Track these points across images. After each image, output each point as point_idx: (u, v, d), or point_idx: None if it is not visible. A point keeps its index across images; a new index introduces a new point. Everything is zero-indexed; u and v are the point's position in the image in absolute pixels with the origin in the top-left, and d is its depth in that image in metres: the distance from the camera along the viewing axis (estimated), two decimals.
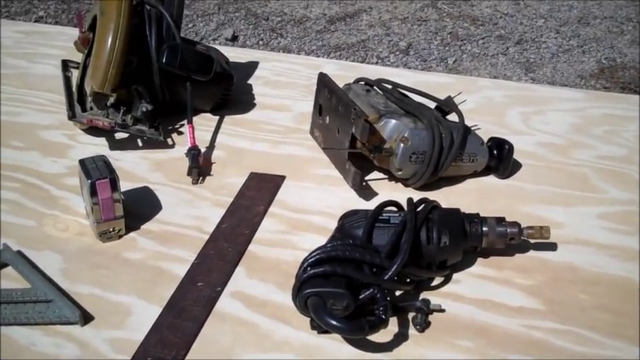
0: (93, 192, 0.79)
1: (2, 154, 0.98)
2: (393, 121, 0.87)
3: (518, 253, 0.78)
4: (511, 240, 0.76)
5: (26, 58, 1.26)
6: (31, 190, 0.91)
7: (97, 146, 0.99)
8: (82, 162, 0.83)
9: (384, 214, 0.74)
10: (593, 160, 0.93)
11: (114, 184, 0.80)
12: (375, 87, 0.96)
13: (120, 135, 1.01)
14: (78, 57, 1.06)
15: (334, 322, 0.64)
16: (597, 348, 0.67)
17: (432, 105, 0.92)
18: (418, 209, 0.74)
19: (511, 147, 0.89)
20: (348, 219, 0.75)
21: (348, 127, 0.86)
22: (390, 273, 0.68)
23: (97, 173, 0.80)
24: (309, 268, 0.68)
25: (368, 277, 0.68)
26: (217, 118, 1.05)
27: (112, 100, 0.95)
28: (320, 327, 0.69)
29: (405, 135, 0.85)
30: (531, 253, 0.78)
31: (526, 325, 0.70)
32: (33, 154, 0.99)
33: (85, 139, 1.02)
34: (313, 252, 0.70)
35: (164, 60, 0.96)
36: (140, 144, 1.00)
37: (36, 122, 1.06)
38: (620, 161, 0.92)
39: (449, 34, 2.67)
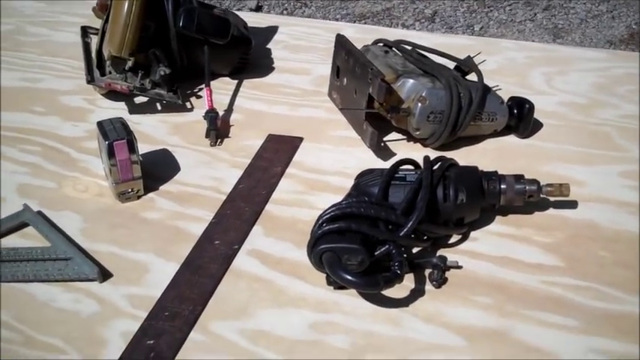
0: (110, 153, 0.80)
1: (23, 119, 0.99)
2: (411, 81, 0.86)
3: (537, 211, 0.77)
4: (530, 197, 0.75)
5: (47, 26, 1.26)
6: (51, 154, 0.92)
7: (117, 110, 0.99)
8: (99, 124, 0.83)
9: (400, 172, 0.74)
10: (616, 119, 0.92)
11: (131, 145, 0.80)
12: (393, 48, 0.95)
13: (139, 99, 1.02)
14: (97, 23, 1.06)
15: (349, 277, 0.64)
16: (617, 304, 0.66)
17: (452, 66, 0.90)
18: (435, 167, 0.73)
19: (532, 106, 0.88)
20: (364, 177, 0.75)
21: (365, 88, 0.86)
22: (405, 230, 0.68)
23: (114, 134, 0.80)
24: (324, 225, 0.68)
25: (383, 233, 0.68)
26: (236, 81, 1.05)
27: (129, 64, 0.95)
28: (336, 283, 0.69)
29: (423, 94, 0.84)
30: (550, 211, 0.77)
31: (545, 281, 0.69)
32: (53, 119, 1.00)
33: (104, 103, 1.02)
34: (328, 209, 0.69)
35: (181, 24, 0.96)
36: (159, 107, 1.00)
37: (56, 88, 1.07)
38: None
39: (475, 0, 2.63)
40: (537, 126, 0.90)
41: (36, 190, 0.85)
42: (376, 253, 0.68)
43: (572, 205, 0.78)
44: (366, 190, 0.73)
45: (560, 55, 1.08)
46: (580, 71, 1.02)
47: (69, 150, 0.93)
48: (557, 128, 0.90)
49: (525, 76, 1.02)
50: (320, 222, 0.68)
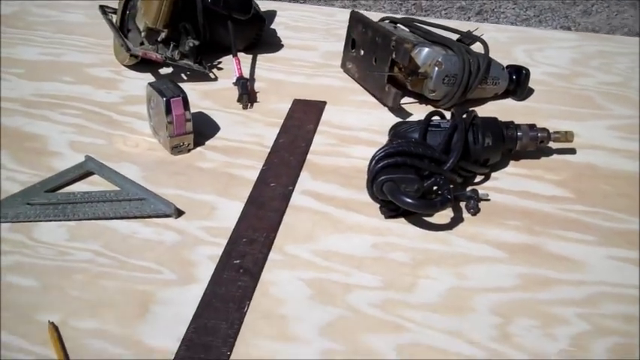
0: (168, 109, 0.88)
1: (55, 87, 1.06)
2: (427, 49, 0.98)
3: (543, 156, 0.90)
4: (541, 143, 0.88)
5: (53, 7, 1.32)
6: (93, 116, 0.99)
7: (144, 80, 1.06)
8: (151, 84, 0.91)
9: (433, 121, 0.85)
10: (595, 85, 1.06)
11: (185, 102, 0.89)
12: (399, 24, 1.07)
13: (163, 70, 1.10)
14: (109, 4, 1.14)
15: (410, 201, 0.75)
16: (622, 223, 0.79)
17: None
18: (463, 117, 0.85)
19: (528, 72, 1.01)
20: (402, 126, 0.86)
21: (386, 55, 0.97)
22: (449, 163, 0.79)
23: (169, 92, 0.89)
24: (380, 161, 0.78)
25: (432, 167, 0.79)
26: (251, 56, 1.15)
27: (163, 35, 1.03)
28: (387, 212, 0.79)
29: (439, 59, 0.96)
30: (555, 156, 0.90)
31: (561, 208, 0.82)
32: (85, 87, 1.06)
33: (130, 74, 1.10)
34: (381, 148, 0.80)
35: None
36: (184, 77, 1.08)
37: (80, 61, 1.14)
38: (618, 86, 1.06)
39: (413, 4, 2.80)
40: (529, 91, 1.04)
41: (88, 146, 0.92)
42: (425, 185, 0.79)
43: (573, 151, 0.91)
44: (406, 135, 0.84)
45: (535, 35, 1.23)
46: (556, 48, 1.17)
47: (109, 113, 1.00)
48: (546, 93, 1.04)
49: (509, 52, 1.15)
50: (376, 159, 0.79)
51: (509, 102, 1.02)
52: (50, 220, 0.79)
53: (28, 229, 0.78)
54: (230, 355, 0.64)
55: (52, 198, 0.82)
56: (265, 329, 0.66)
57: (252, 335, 0.66)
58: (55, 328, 0.66)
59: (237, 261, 0.74)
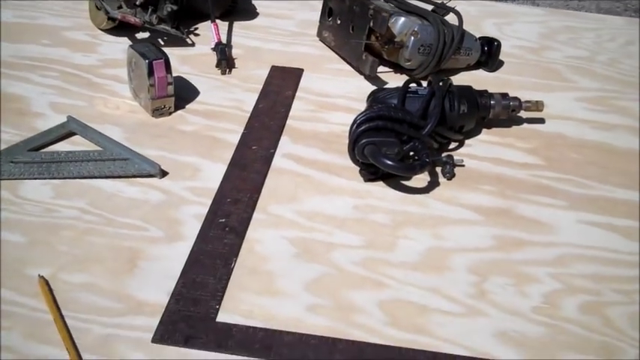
0: (150, 71, 0.89)
1: (33, 50, 1.06)
2: (403, 19, 1.00)
3: (515, 125, 0.94)
4: (513, 111, 0.91)
5: None
6: (73, 78, 1.00)
7: (121, 44, 1.07)
8: (132, 47, 0.92)
9: (411, 87, 0.88)
10: (562, 59, 1.10)
11: (167, 65, 0.90)
12: None
13: (140, 35, 1.10)
14: None
15: (392, 163, 0.78)
16: (591, 190, 0.83)
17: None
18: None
19: (499, 44, 1.04)
20: (381, 92, 0.88)
21: (364, 23, 0.99)
22: (427, 128, 0.82)
23: (152, 55, 0.90)
24: (362, 125, 0.81)
25: (411, 131, 0.82)
26: (227, 23, 1.16)
27: None
28: (367, 175, 0.82)
29: (415, 29, 0.98)
30: (525, 125, 0.94)
31: (533, 174, 0.85)
32: (63, 50, 1.06)
33: (108, 38, 1.10)
34: (362, 113, 0.82)
35: None
36: (162, 42, 1.09)
37: (56, 24, 1.13)
38: (584, 60, 1.10)
39: None
40: (500, 63, 1.07)
41: (69, 107, 0.93)
42: (404, 148, 0.82)
43: (543, 121, 0.95)
44: (385, 101, 0.86)
45: (503, 10, 1.26)
46: (524, 23, 1.20)
47: (88, 76, 1.01)
48: (516, 65, 1.08)
49: (479, 25, 1.18)
50: (357, 123, 0.81)
51: (481, 73, 1.05)
52: (35, 178, 0.80)
53: (13, 187, 0.79)
54: (219, 308, 0.66)
55: (35, 157, 0.82)
56: (252, 284, 0.69)
57: (240, 290, 0.68)
58: (45, 281, 0.67)
59: (223, 220, 0.76)
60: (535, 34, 1.16)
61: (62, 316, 0.64)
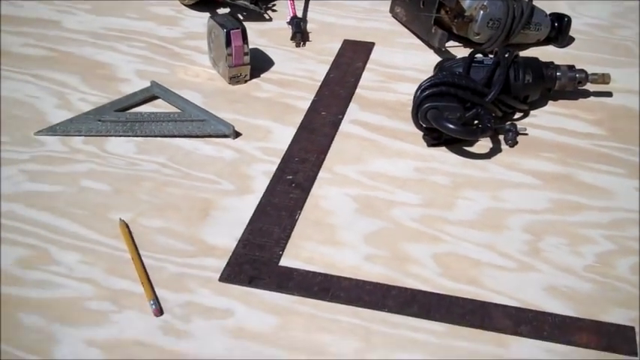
0: (228, 40, 0.94)
1: (120, 22, 1.13)
2: None
3: (581, 97, 0.95)
4: (579, 84, 0.92)
5: None
6: (157, 49, 1.06)
7: (203, 19, 1.13)
8: (213, 18, 0.98)
9: (477, 57, 0.90)
10: (634, 36, 1.10)
11: (244, 34, 0.95)
12: None
13: (221, 11, 1.16)
14: None
15: (453, 127, 0.81)
16: None
17: None
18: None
19: (569, 19, 1.05)
20: (448, 62, 0.91)
21: None
22: (490, 95, 0.85)
23: (230, 25, 0.95)
24: (426, 90, 0.84)
25: (474, 98, 0.84)
26: (303, 0, 1.20)
27: None
28: (430, 140, 0.85)
29: (485, 3, 1.01)
30: (592, 98, 0.95)
31: (594, 144, 0.87)
32: (149, 23, 1.13)
33: (190, 13, 1.16)
34: (427, 79, 0.86)
35: None
36: (241, 17, 1.15)
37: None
38: None
39: None
40: (570, 39, 1.08)
41: (153, 74, 0.99)
42: (467, 115, 0.84)
43: (609, 94, 0.95)
44: (451, 70, 0.89)
45: None
46: (598, 1, 1.20)
47: (172, 47, 1.07)
48: (587, 42, 1.08)
49: (552, 5, 1.19)
50: (422, 88, 0.84)
51: (550, 48, 1.06)
52: (120, 136, 0.86)
53: (100, 143, 0.86)
54: (282, 254, 0.71)
55: (121, 116, 0.89)
56: (314, 235, 0.73)
57: (302, 239, 0.73)
58: (125, 224, 0.73)
59: (290, 177, 0.80)
60: (608, 13, 1.17)
61: (139, 255, 0.70)
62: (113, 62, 1.02)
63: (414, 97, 0.85)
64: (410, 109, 0.86)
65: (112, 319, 0.64)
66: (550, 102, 0.94)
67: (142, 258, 0.70)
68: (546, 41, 1.07)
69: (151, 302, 0.64)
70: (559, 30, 1.05)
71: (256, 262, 0.69)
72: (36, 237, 0.72)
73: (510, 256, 0.71)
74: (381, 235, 0.73)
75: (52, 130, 0.87)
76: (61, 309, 0.65)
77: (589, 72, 0.92)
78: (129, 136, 0.86)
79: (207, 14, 1.12)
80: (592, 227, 0.74)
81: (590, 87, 0.94)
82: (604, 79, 0.92)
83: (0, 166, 0.81)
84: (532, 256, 0.71)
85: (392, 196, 0.78)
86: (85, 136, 0.87)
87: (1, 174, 0.81)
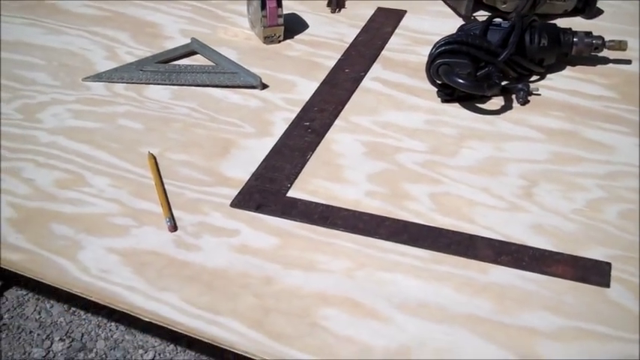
0: (263, 2, 1.01)
1: None
2: None
3: (599, 64, 0.98)
4: (595, 49, 0.96)
5: None
6: (201, 11, 1.14)
7: None
8: None
9: (495, 20, 0.95)
10: None
11: None
12: None
13: None
14: None
15: (460, 81, 0.85)
16: None
17: None
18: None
19: None
20: (468, 24, 0.96)
21: None
22: (503, 55, 0.89)
23: None
24: (440, 47, 0.89)
25: (486, 56, 0.89)
26: None
27: None
28: (444, 96, 0.90)
29: None
30: (610, 64, 0.98)
31: (604, 105, 0.90)
32: None
33: None
34: (442, 38, 0.91)
35: None
36: None
37: None
38: None
39: None
40: (598, 11, 1.11)
41: (195, 33, 1.07)
42: (478, 74, 0.89)
43: (627, 61, 0.98)
44: (469, 32, 0.94)
45: None
46: None
47: (215, 10, 1.15)
48: (613, 14, 1.11)
49: None
50: (436, 46, 0.90)
51: (577, 20, 1.09)
52: (157, 84, 0.95)
53: (139, 89, 0.94)
54: (290, 187, 0.77)
55: (160, 67, 0.97)
56: (322, 173, 0.80)
57: (311, 176, 0.79)
58: (153, 156, 0.81)
59: (307, 123, 0.87)
60: None
61: (162, 183, 0.78)
62: (161, 22, 1.11)
63: (429, 54, 0.90)
64: None
65: (132, 232, 0.72)
66: (568, 67, 0.97)
67: (164, 185, 0.77)
68: (573, 12, 1.09)
69: (167, 219, 0.72)
70: (586, 1, 1.08)
71: (265, 192, 0.76)
72: (73, 163, 0.81)
73: (503, 197, 0.75)
74: (383, 175, 0.79)
75: (98, 77, 0.95)
76: (88, 222, 0.73)
77: (606, 39, 0.95)
78: (166, 84, 0.94)
79: None
80: (588, 177, 0.78)
81: (608, 54, 0.97)
82: (620, 45, 0.95)
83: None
84: (524, 199, 0.75)
85: (399, 143, 0.84)
86: (127, 83, 0.95)
87: (49, 111, 0.89)
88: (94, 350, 1.44)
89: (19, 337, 1.47)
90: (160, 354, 1.42)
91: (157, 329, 1.47)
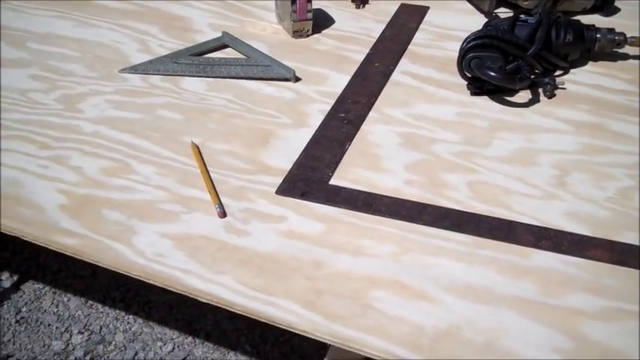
0: None
1: None
2: None
3: (621, 60, 1.01)
4: (617, 45, 0.99)
5: None
6: (229, 6, 1.16)
7: None
8: None
9: (522, 16, 0.98)
10: None
11: None
12: None
13: None
14: None
15: (493, 74, 0.88)
16: None
17: None
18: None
19: None
20: (495, 20, 0.99)
21: None
22: (532, 50, 0.92)
23: None
24: (471, 42, 0.92)
25: (515, 50, 0.92)
26: None
27: None
28: (473, 89, 0.93)
29: None
30: (631, 60, 1.01)
31: (628, 99, 0.93)
32: None
33: None
34: (473, 33, 0.93)
35: None
36: None
37: None
38: None
39: None
40: (616, 9, 1.14)
41: (224, 27, 1.09)
42: (507, 68, 0.92)
43: None
44: (497, 27, 0.97)
45: None
46: None
47: (242, 5, 1.17)
48: (633, 12, 1.14)
49: None
50: (467, 40, 0.92)
51: (596, 17, 1.12)
52: (193, 76, 0.97)
53: (175, 81, 0.96)
54: (331, 175, 0.80)
55: (194, 60, 0.99)
56: (361, 162, 0.82)
57: (350, 165, 0.82)
58: (196, 145, 0.83)
59: (342, 115, 0.89)
60: None
61: (207, 170, 0.80)
62: (189, 16, 1.13)
63: (460, 48, 0.93)
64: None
65: (182, 218, 0.74)
66: (590, 62, 1.00)
67: (209, 173, 0.80)
68: (592, 10, 1.13)
69: (216, 206, 0.74)
70: None
71: (308, 180, 0.79)
72: (118, 152, 0.83)
73: (538, 186, 0.78)
74: (420, 165, 0.82)
75: (134, 69, 0.97)
76: (138, 208, 0.75)
77: (628, 35, 0.98)
78: (201, 76, 0.97)
79: None
80: (617, 167, 0.81)
81: (630, 51, 1.00)
82: None
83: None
84: (558, 188, 0.78)
85: (433, 134, 0.86)
86: (163, 75, 0.97)
87: (89, 102, 0.92)
88: (113, 343, 1.46)
89: (38, 330, 1.49)
90: (178, 346, 1.44)
91: (175, 322, 1.49)
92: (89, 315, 1.53)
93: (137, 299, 1.56)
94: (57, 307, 1.56)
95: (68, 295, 1.59)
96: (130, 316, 1.53)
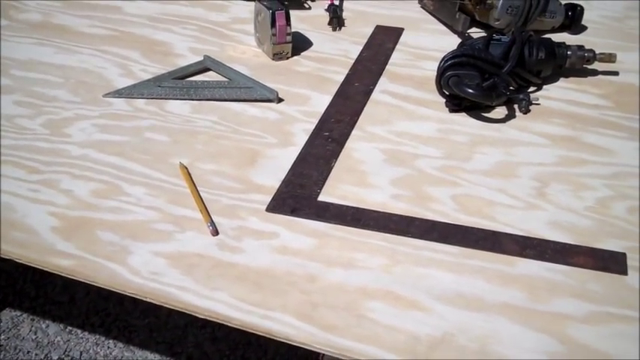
0: (273, 20, 1.06)
1: (174, 9, 1.25)
2: None
3: (590, 75, 1.05)
4: (587, 61, 1.03)
5: None
6: (208, 31, 1.19)
7: (248, 6, 1.26)
8: (259, 2, 1.10)
9: (495, 35, 1.01)
10: None
11: (287, 15, 1.07)
12: None
13: None
14: None
15: (471, 91, 0.91)
16: None
17: None
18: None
19: (582, 8, 1.16)
20: (470, 40, 1.02)
21: None
22: (507, 67, 0.95)
23: (275, 7, 1.07)
24: (449, 60, 0.95)
25: (491, 68, 0.95)
26: None
27: None
28: (452, 106, 0.96)
29: None
30: (601, 76, 1.05)
31: (601, 113, 0.97)
32: (199, 10, 1.26)
33: (238, 2, 1.29)
34: (450, 52, 0.97)
35: None
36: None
37: None
38: None
39: None
40: (583, 28, 1.18)
41: (204, 51, 1.11)
42: (484, 85, 0.95)
43: (617, 73, 1.05)
44: (473, 46, 1.00)
45: None
46: None
47: (221, 29, 1.19)
48: (599, 30, 1.19)
49: None
50: (445, 59, 0.95)
51: (564, 35, 1.17)
52: (177, 99, 0.98)
53: (159, 104, 0.98)
54: (320, 192, 0.82)
55: (178, 83, 1.01)
56: (348, 178, 0.84)
57: (338, 182, 0.84)
58: (184, 167, 0.85)
59: (327, 133, 0.92)
60: (621, 6, 1.27)
61: (197, 190, 0.81)
62: (169, 41, 1.14)
63: (438, 67, 0.96)
64: (434, 82, 0.97)
65: (176, 237, 0.75)
66: (562, 79, 1.04)
67: (199, 193, 0.81)
68: (560, 28, 1.17)
69: (209, 224, 0.76)
70: (572, 18, 1.15)
71: (298, 197, 0.80)
72: (108, 174, 0.84)
73: (519, 197, 0.81)
74: (405, 180, 0.84)
75: (118, 93, 0.99)
76: (131, 229, 0.76)
77: (597, 52, 1.02)
78: (185, 99, 0.98)
79: (252, 3, 1.24)
80: (594, 177, 0.84)
81: (598, 67, 1.04)
82: (610, 57, 1.02)
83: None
84: (538, 199, 0.81)
85: (416, 150, 0.89)
86: (147, 98, 0.99)
87: (75, 126, 0.93)
88: None
89: (17, 358, 1.48)
90: None
91: (156, 345, 1.49)
92: (69, 341, 1.52)
93: (117, 324, 1.56)
94: (35, 333, 1.55)
95: (47, 321, 1.58)
96: (111, 341, 1.52)
